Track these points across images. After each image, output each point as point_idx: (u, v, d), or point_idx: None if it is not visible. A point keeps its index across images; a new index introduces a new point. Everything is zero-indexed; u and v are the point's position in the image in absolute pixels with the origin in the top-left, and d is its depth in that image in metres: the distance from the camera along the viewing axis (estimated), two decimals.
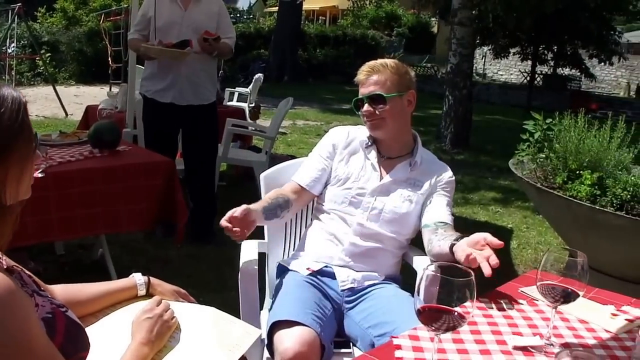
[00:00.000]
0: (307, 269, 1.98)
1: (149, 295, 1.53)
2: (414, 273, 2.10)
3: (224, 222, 1.73)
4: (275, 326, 1.71)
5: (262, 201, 1.99)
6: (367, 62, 2.09)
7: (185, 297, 1.57)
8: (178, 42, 3.65)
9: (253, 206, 1.86)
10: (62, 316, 1.16)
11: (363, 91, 2.04)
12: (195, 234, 3.89)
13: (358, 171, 2.08)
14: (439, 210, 2.00)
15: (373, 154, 2.09)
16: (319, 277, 1.97)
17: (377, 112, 2.01)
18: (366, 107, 2.02)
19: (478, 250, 1.59)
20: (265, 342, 1.77)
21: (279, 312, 1.75)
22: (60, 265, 3.50)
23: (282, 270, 2.06)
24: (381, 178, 2.06)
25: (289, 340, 1.65)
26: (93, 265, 3.50)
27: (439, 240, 1.84)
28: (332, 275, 1.97)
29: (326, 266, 2.00)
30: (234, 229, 1.72)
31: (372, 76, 2.03)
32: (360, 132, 2.15)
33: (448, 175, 2.10)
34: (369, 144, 2.11)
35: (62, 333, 1.12)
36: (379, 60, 2.08)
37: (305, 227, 2.23)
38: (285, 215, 2.03)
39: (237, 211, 1.75)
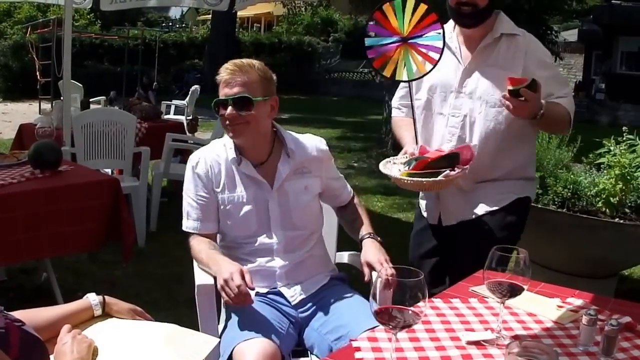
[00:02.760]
0: (255, 291, 1.94)
1: (105, 315, 1.53)
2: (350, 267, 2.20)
3: (244, 287, 1.70)
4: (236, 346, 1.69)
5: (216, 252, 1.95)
6: (231, 60, 1.95)
7: (142, 315, 1.58)
8: (446, 156, 2.04)
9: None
10: (17, 330, 1.18)
11: (227, 92, 1.90)
12: None
13: (245, 193, 1.97)
14: (336, 189, 2.15)
15: (249, 167, 1.98)
16: (268, 297, 1.96)
17: (241, 116, 1.89)
18: (230, 110, 1.88)
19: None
20: None
21: (238, 334, 1.73)
22: (4, 292, 3.37)
23: None
24: (272, 185, 1.98)
25: (250, 355, 1.64)
26: (37, 290, 3.39)
27: (350, 225, 2.13)
28: (280, 294, 1.96)
29: (272, 288, 1.98)
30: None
31: (238, 76, 1.89)
32: (217, 151, 2.01)
33: (322, 144, 2.10)
34: (237, 158, 1.97)
35: (16, 346, 1.14)
36: (245, 60, 1.96)
37: None
38: None
39: (246, 277, 1.73)
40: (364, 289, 2.02)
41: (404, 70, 2.12)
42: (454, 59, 2.24)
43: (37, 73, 11.71)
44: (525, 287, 1.41)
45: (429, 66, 2.11)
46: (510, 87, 1.93)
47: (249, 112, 1.89)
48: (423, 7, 2.07)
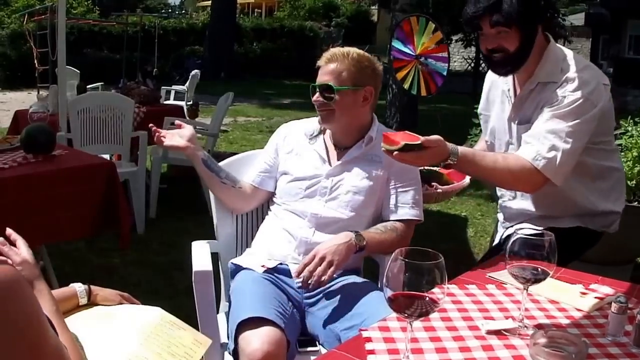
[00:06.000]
0: (262, 266, 1.91)
1: (91, 303, 1.49)
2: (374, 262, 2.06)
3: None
4: (239, 327, 1.65)
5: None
6: (332, 49, 2.02)
7: (129, 300, 1.54)
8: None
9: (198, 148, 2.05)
10: None
11: (319, 79, 1.99)
12: None
13: (307, 163, 2.03)
14: (396, 201, 1.97)
15: (320, 144, 2.04)
16: (275, 274, 1.90)
17: (326, 102, 1.96)
18: (316, 96, 1.99)
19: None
20: (232, 347, 1.69)
21: (241, 312, 1.68)
22: None
23: (236, 269, 1.98)
24: (331, 164, 2.01)
25: (256, 340, 1.60)
26: None
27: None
28: (287, 273, 1.91)
29: (281, 264, 1.93)
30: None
31: (329, 64, 1.97)
32: (305, 125, 2.12)
33: None
34: (315, 134, 2.07)
35: None
36: (344, 49, 2.00)
37: (258, 225, 2.15)
38: (230, 188, 2.06)
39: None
40: (376, 279, 1.93)
41: (409, 84, 2.52)
42: (507, 106, 2.05)
43: (35, 61, 11.57)
44: (550, 272, 1.31)
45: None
46: (389, 147, 1.65)
47: (332, 100, 1.94)
48: (438, 36, 2.33)
